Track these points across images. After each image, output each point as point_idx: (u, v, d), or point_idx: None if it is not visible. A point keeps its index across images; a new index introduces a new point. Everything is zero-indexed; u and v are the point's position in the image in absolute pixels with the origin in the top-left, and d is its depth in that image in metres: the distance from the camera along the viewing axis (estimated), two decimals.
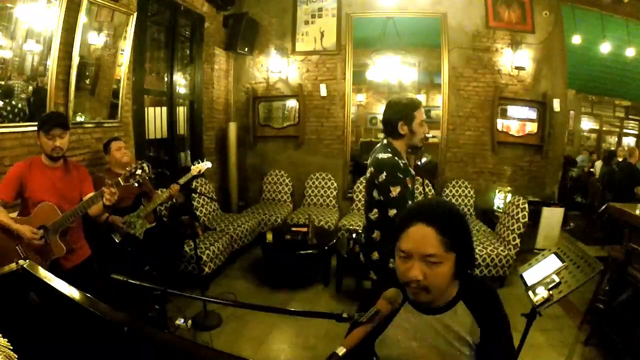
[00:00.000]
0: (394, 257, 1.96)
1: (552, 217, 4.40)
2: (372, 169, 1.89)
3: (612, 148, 8.48)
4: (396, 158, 1.87)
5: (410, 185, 1.91)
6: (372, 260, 1.96)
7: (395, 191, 1.82)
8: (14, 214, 2.07)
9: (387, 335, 1.02)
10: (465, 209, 4.75)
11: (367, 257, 1.99)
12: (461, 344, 0.96)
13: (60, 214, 1.99)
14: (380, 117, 2.10)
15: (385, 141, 1.96)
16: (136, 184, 2.04)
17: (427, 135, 1.98)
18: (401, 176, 1.84)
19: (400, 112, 1.88)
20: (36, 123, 2.10)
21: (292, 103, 5.25)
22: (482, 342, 0.96)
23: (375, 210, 1.92)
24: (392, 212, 1.85)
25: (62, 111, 2.72)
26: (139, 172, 1.99)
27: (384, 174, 1.83)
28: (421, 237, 0.94)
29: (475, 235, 3.87)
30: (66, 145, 2.08)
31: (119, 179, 1.98)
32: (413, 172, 2.00)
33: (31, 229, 1.92)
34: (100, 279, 2.26)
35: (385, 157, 1.86)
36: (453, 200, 4.65)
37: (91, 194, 2.14)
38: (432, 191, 4.80)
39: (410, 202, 1.89)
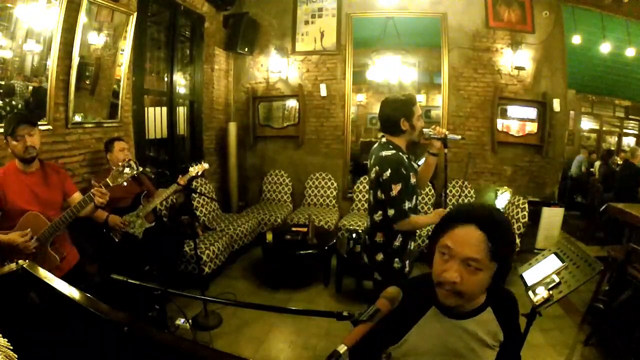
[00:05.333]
0: (398, 257, 1.98)
1: (552, 217, 4.40)
2: (376, 167, 1.88)
3: (612, 148, 8.49)
4: (400, 153, 1.87)
5: (414, 180, 1.91)
6: (377, 262, 1.97)
7: (395, 189, 1.82)
8: None
9: (408, 339, 1.00)
10: None
11: (371, 259, 1.99)
12: (483, 350, 0.97)
13: (48, 222, 1.88)
14: None
15: (384, 139, 1.95)
16: (125, 183, 1.95)
17: (447, 133, 1.97)
18: (405, 172, 1.84)
19: (401, 109, 1.88)
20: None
21: (292, 103, 5.25)
22: (505, 348, 0.99)
23: (380, 212, 1.92)
24: (391, 212, 1.85)
25: (62, 111, 2.72)
26: (126, 170, 1.91)
27: (389, 171, 1.83)
28: (469, 238, 0.88)
29: None
30: (38, 143, 1.92)
31: (107, 179, 1.90)
32: (416, 166, 2.01)
33: (19, 232, 1.78)
34: (93, 283, 2.22)
35: (390, 153, 1.86)
36: (453, 200, 4.65)
37: (77, 194, 2.08)
38: (432, 191, 4.80)
39: (409, 199, 1.89)
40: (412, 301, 1.01)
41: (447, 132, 1.97)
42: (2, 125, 2.21)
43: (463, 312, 0.97)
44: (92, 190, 1.89)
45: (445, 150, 1.99)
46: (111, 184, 1.90)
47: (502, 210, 4.37)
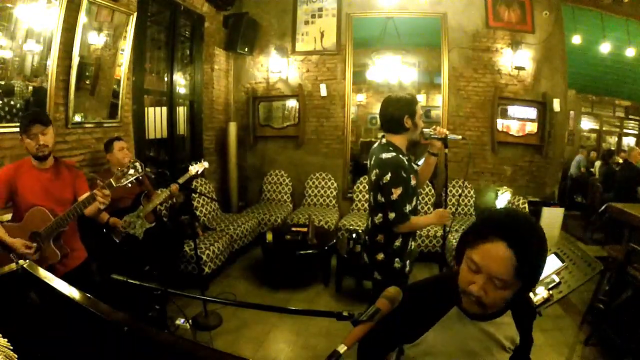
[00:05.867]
0: (398, 257, 1.98)
1: (552, 217, 4.40)
2: (377, 170, 1.88)
3: (612, 148, 8.48)
4: (400, 156, 1.87)
5: (414, 182, 1.91)
6: (377, 261, 1.97)
7: (396, 193, 1.82)
8: (9, 216, 2.02)
9: (427, 338, 1.01)
10: (465, 209, 4.75)
11: (372, 258, 1.99)
12: (500, 353, 0.98)
13: (52, 218, 1.92)
14: None
15: (384, 140, 1.95)
16: (129, 184, 1.95)
17: (447, 133, 1.97)
18: (405, 175, 1.84)
19: (405, 107, 1.89)
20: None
21: (292, 103, 5.25)
22: (518, 352, 1.01)
23: (380, 215, 1.93)
24: (392, 215, 1.86)
25: (61, 111, 2.72)
26: (131, 171, 1.92)
27: (389, 174, 1.83)
28: (498, 257, 0.85)
29: None
30: (51, 141, 1.97)
31: (111, 180, 1.91)
32: (416, 167, 2.01)
33: (24, 242, 1.84)
34: (98, 282, 2.23)
35: (390, 156, 1.86)
36: (453, 200, 4.65)
37: (86, 195, 2.12)
38: (433, 191, 4.80)
39: (409, 202, 1.90)
40: (433, 300, 1.02)
41: (447, 132, 1.97)
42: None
43: (484, 315, 0.98)
44: (94, 190, 1.90)
45: (446, 150, 1.99)
46: (114, 185, 1.91)
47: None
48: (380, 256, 1.95)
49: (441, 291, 1.02)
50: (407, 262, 1.99)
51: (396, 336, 1.04)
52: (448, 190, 4.76)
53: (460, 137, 2.08)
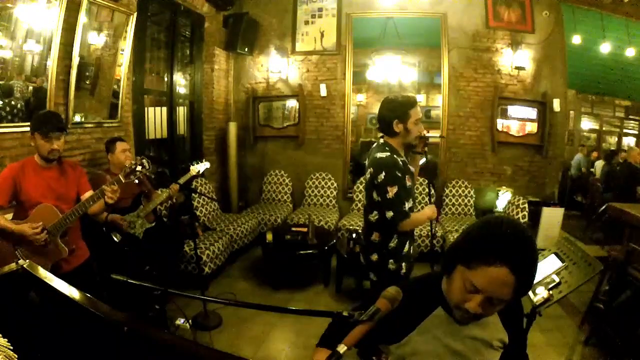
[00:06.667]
0: (393, 258, 1.97)
1: (552, 217, 4.39)
2: (371, 169, 1.89)
3: (613, 148, 8.48)
4: (395, 156, 1.87)
5: (409, 183, 1.91)
6: (372, 262, 1.97)
7: (391, 192, 1.82)
8: (9, 216, 2.02)
9: (412, 338, 1.00)
10: (465, 209, 4.74)
11: (367, 259, 2.00)
12: (488, 351, 0.98)
13: (60, 214, 1.94)
14: None
15: (381, 140, 1.96)
16: (137, 181, 1.99)
17: (427, 134, 1.99)
18: (399, 175, 1.84)
19: (396, 111, 1.88)
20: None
21: (292, 103, 5.25)
22: (510, 350, 1.00)
23: (375, 212, 1.93)
24: (389, 214, 1.85)
25: (62, 111, 2.72)
26: (139, 168, 1.95)
27: (383, 173, 1.83)
28: (502, 283, 0.83)
29: None
30: (62, 147, 2.02)
31: (119, 175, 1.95)
32: (413, 170, 2.02)
33: (30, 224, 1.85)
34: (100, 280, 2.26)
35: (384, 155, 1.86)
36: (453, 200, 4.65)
37: (89, 193, 2.11)
38: (433, 191, 4.80)
39: (407, 202, 1.90)
40: (417, 300, 1.01)
41: (425, 133, 1.99)
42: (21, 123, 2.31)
43: None
44: (103, 186, 1.92)
45: (426, 149, 2.05)
46: (123, 181, 1.94)
47: (502, 211, 4.37)
48: (375, 257, 1.95)
49: (426, 291, 1.01)
50: (403, 264, 1.96)
51: (381, 335, 1.03)
52: (448, 190, 4.77)
53: (438, 135, 2.12)
